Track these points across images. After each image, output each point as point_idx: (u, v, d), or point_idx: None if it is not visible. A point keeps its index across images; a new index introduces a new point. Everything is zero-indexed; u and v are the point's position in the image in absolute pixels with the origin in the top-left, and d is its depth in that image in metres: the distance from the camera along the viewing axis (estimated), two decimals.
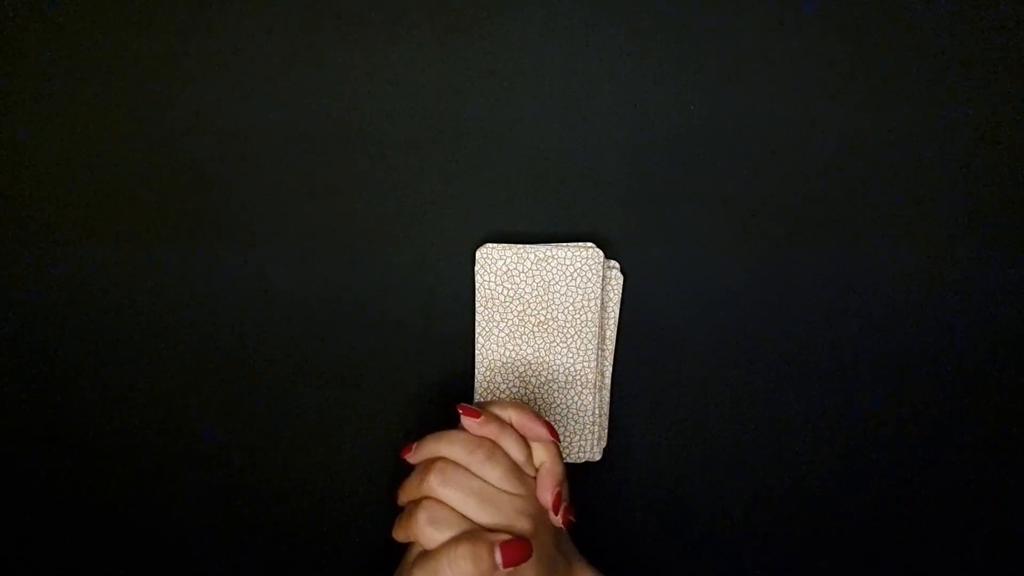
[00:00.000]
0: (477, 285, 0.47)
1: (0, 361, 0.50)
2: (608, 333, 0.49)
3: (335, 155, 0.47)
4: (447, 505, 0.36)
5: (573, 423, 0.49)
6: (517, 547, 0.35)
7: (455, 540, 0.35)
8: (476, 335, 0.48)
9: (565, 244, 0.48)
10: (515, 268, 0.47)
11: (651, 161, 0.47)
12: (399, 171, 0.48)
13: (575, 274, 0.48)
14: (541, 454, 0.40)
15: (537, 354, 0.48)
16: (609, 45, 0.45)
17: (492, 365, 0.48)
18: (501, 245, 0.48)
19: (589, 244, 0.48)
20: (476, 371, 0.48)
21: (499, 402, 0.40)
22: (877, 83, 0.45)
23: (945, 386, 0.48)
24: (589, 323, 0.48)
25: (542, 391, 0.48)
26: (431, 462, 0.37)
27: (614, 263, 0.49)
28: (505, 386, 0.48)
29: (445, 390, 0.49)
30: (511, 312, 0.48)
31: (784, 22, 0.44)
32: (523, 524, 0.37)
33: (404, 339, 0.49)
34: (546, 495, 0.39)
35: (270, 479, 0.52)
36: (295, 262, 0.49)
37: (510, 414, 0.40)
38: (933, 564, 0.50)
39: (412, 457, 0.39)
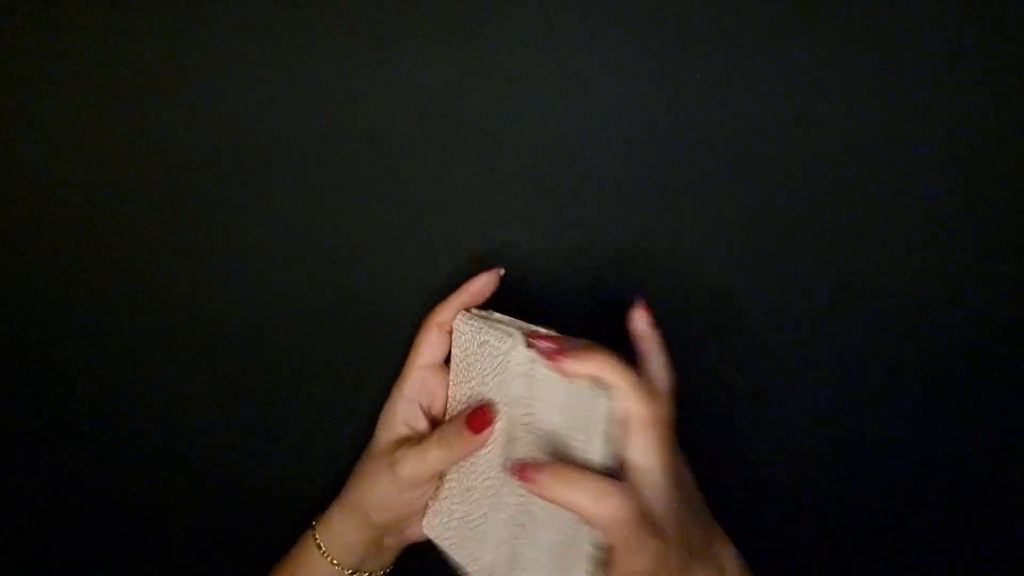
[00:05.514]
0: (452, 349, 0.44)
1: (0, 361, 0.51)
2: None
3: (335, 155, 0.47)
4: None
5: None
6: (481, 414, 0.39)
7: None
8: (447, 399, 0.45)
9: (511, 324, 0.40)
10: (470, 343, 0.42)
11: (651, 161, 0.47)
12: (399, 171, 0.47)
13: (498, 369, 0.39)
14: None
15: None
16: (609, 45, 0.45)
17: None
18: (470, 314, 0.42)
19: (522, 332, 0.38)
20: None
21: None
22: (877, 83, 0.45)
23: (947, 386, 0.48)
24: (501, 436, 0.39)
25: (466, 496, 0.42)
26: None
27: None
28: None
29: None
30: (465, 388, 0.43)
31: (785, 22, 0.44)
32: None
33: (404, 339, 0.49)
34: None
35: (270, 479, 0.52)
36: (295, 262, 0.49)
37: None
38: (933, 564, 0.50)
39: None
